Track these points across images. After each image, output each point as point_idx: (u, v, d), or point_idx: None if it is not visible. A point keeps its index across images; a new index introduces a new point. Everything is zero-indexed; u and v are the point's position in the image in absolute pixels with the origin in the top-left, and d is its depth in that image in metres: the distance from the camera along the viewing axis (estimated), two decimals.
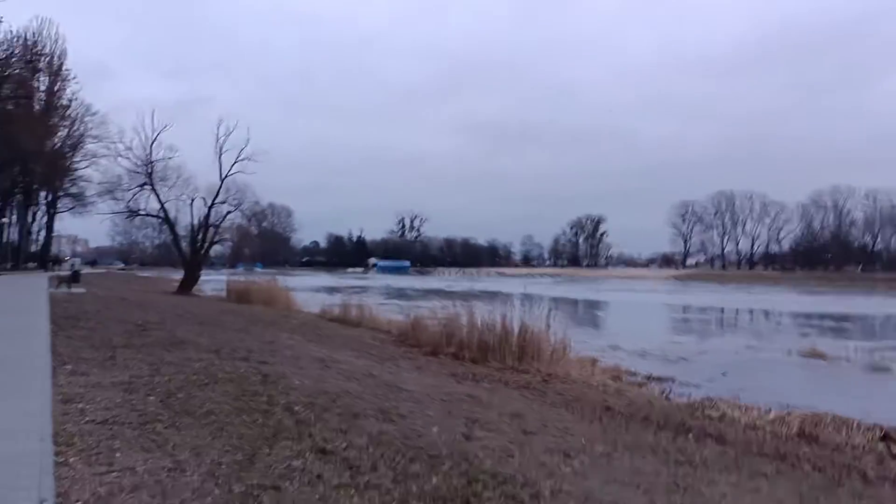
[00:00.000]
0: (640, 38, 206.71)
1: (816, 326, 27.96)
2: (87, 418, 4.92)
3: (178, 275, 42.37)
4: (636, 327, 27.98)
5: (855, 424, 9.43)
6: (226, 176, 32.64)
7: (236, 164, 32.30)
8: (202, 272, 35.81)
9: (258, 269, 67.40)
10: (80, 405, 5.31)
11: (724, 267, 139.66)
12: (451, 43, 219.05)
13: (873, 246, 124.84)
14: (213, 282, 38.33)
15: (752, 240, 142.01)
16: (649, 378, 14.29)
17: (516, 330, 14.38)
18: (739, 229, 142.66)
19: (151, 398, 5.83)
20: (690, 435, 8.14)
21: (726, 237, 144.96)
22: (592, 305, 42.93)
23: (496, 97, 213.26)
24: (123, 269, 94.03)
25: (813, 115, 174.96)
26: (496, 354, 14.06)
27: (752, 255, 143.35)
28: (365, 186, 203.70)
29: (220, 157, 32.49)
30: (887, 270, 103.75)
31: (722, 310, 41.09)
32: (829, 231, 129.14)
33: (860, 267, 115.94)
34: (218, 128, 32.58)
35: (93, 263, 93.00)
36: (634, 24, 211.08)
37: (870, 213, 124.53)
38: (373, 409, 6.26)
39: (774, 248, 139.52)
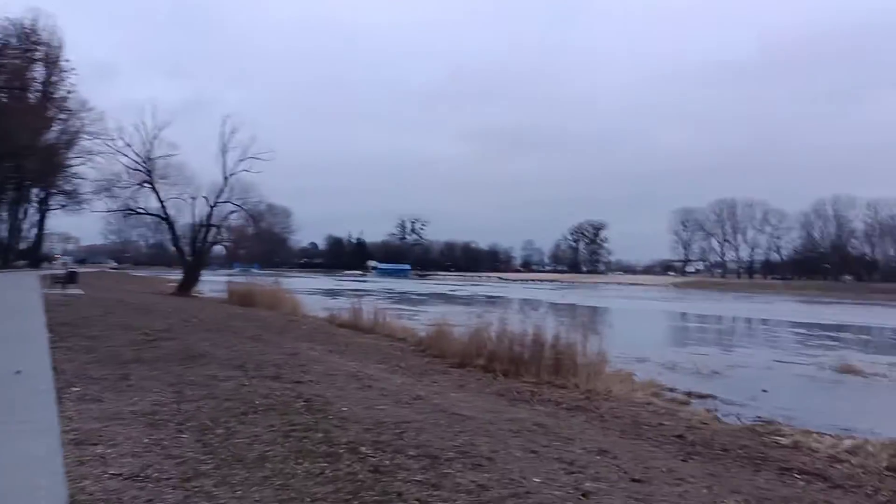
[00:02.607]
0: (658, 45, 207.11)
1: (836, 339, 27.13)
2: (110, 470, 3.75)
3: (173, 275, 41.21)
4: (652, 337, 26.97)
5: None
6: (231, 174, 31.55)
7: (242, 163, 31.29)
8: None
9: (255, 270, 65.87)
10: (99, 448, 4.15)
11: (723, 275, 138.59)
12: (463, 50, 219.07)
13: (872, 256, 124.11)
14: (210, 283, 37.10)
15: (752, 248, 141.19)
16: (689, 395, 13.34)
17: (549, 341, 13.40)
18: (740, 237, 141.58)
19: (185, 436, 4.66)
20: (796, 475, 7.10)
21: (727, 245, 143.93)
22: (601, 313, 41.75)
23: (505, 104, 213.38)
24: (116, 269, 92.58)
25: (816, 124, 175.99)
26: (530, 368, 13.07)
27: (751, 263, 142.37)
28: (367, 190, 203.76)
29: (224, 155, 31.44)
30: (886, 281, 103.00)
31: (733, 319, 40.26)
32: (829, 241, 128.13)
33: (854, 277, 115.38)
34: (223, 124, 31.57)
35: (82, 262, 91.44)
36: (654, 32, 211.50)
37: (870, 223, 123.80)
38: (449, 448, 5.13)
39: (774, 256, 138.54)
